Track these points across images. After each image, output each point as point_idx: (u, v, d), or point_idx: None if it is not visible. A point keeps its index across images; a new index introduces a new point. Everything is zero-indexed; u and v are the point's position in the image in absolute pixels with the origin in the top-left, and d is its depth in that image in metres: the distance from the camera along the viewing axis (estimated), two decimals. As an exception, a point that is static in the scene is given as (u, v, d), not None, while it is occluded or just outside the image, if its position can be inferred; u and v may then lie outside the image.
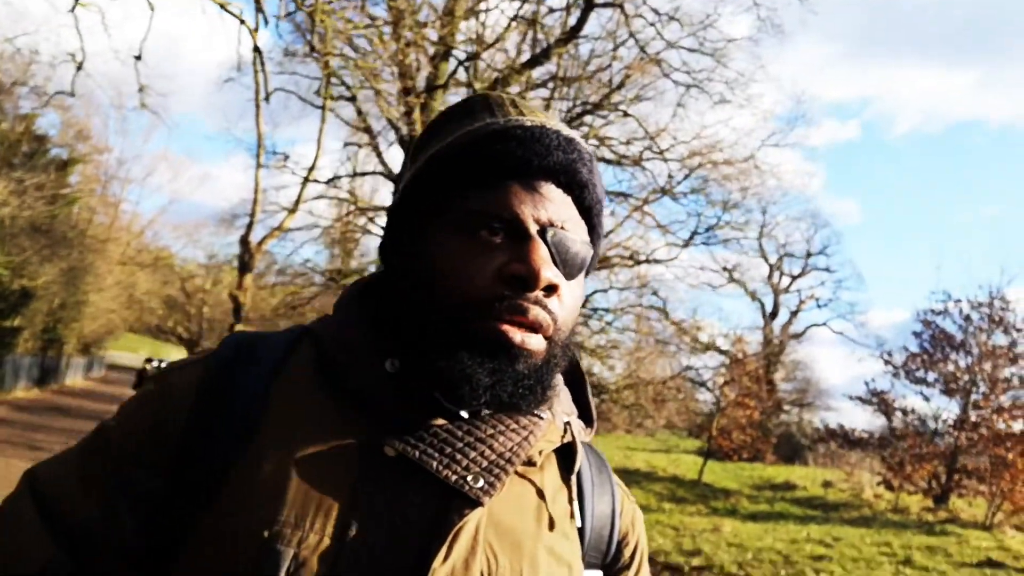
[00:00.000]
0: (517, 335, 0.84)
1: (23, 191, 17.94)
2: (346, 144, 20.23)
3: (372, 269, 19.67)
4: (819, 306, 44.81)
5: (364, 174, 19.49)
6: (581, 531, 0.96)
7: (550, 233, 0.87)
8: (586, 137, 18.32)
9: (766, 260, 43.24)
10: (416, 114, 16.64)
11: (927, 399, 17.76)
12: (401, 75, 15.79)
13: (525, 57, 16.93)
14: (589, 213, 0.94)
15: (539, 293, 0.85)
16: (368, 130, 18.91)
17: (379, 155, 19.45)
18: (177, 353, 68.60)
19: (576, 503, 0.95)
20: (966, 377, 16.84)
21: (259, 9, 11.06)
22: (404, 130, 16.28)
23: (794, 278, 43.50)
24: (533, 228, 0.86)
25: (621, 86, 16.99)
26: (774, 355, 41.27)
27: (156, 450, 0.86)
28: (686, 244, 17.14)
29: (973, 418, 16.22)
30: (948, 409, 17.32)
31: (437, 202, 0.90)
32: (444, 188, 0.90)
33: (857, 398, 19.09)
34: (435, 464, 0.83)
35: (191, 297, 61.42)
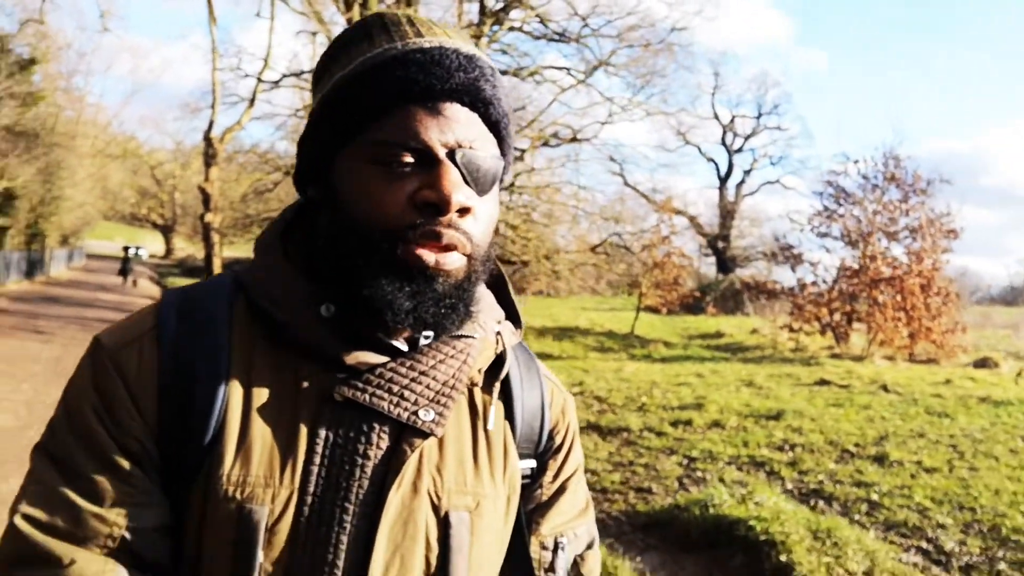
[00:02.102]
0: (431, 257, 0.86)
1: (-2, 100, 19.16)
2: (299, 32, 21.55)
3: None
4: (772, 164, 46.86)
5: (305, 73, 20.80)
6: (513, 425, 1.02)
7: (459, 155, 0.87)
8: (526, 19, 19.77)
9: (719, 121, 44.95)
10: (356, 8, 18.00)
11: (829, 251, 19.92)
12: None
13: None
14: (496, 127, 0.94)
15: (452, 216, 0.86)
16: (319, 16, 20.19)
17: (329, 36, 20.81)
18: (152, 238, 69.45)
19: (499, 406, 1.01)
20: (864, 229, 18.89)
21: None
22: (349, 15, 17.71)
23: (746, 138, 45.30)
24: (441, 152, 0.87)
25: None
26: (729, 213, 43.48)
27: (139, 423, 0.86)
28: (604, 123, 18.93)
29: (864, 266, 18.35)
30: (848, 258, 19.44)
31: (344, 130, 0.90)
32: (350, 116, 0.89)
33: (771, 253, 21.27)
34: (386, 405, 0.87)
35: (162, 184, 61.61)
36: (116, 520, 0.83)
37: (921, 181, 18.71)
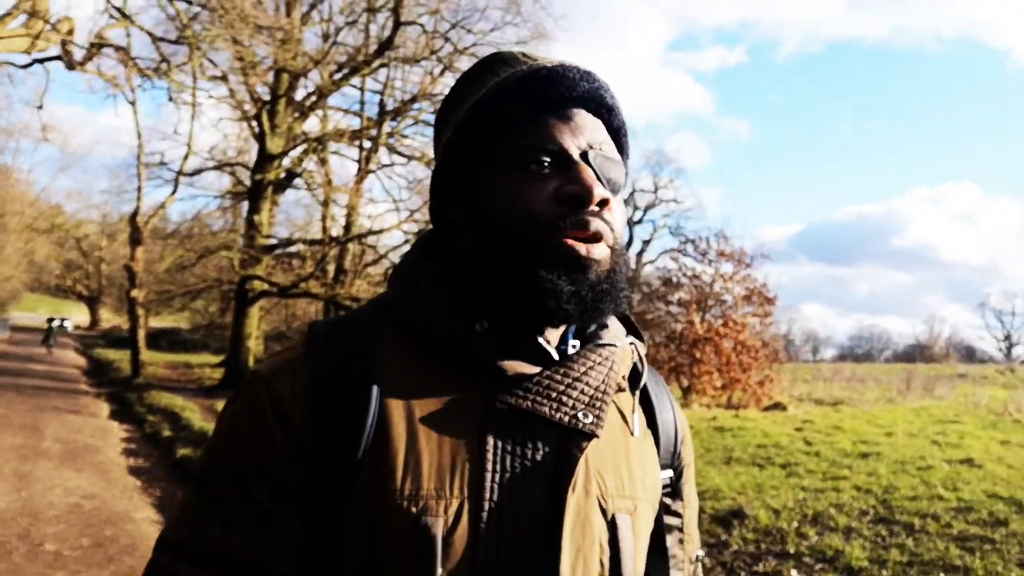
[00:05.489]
0: (582, 248, 0.91)
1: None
2: (220, 120, 24.62)
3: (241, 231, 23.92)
4: (671, 234, 50.96)
5: (228, 164, 23.73)
6: (656, 435, 1.07)
7: (591, 155, 0.94)
8: (421, 113, 22.88)
9: (619, 194, 48.80)
10: (264, 116, 21.10)
11: (673, 316, 23.31)
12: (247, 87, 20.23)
13: (353, 65, 21.33)
14: (618, 134, 1.03)
15: (595, 207, 0.92)
16: (240, 106, 23.11)
17: (252, 130, 23.68)
18: (77, 310, 69.76)
19: (641, 414, 1.05)
20: (698, 298, 22.37)
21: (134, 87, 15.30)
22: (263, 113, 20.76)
23: (646, 210, 49.42)
24: (576, 153, 0.94)
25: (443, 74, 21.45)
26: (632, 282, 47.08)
27: (285, 449, 0.88)
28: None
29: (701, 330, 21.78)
30: (691, 323, 22.86)
31: (483, 148, 0.97)
32: (487, 134, 0.96)
33: (624, 318, 24.51)
34: (547, 410, 0.90)
35: (88, 256, 62.06)
36: (245, 548, 0.86)
37: (747, 257, 22.31)
